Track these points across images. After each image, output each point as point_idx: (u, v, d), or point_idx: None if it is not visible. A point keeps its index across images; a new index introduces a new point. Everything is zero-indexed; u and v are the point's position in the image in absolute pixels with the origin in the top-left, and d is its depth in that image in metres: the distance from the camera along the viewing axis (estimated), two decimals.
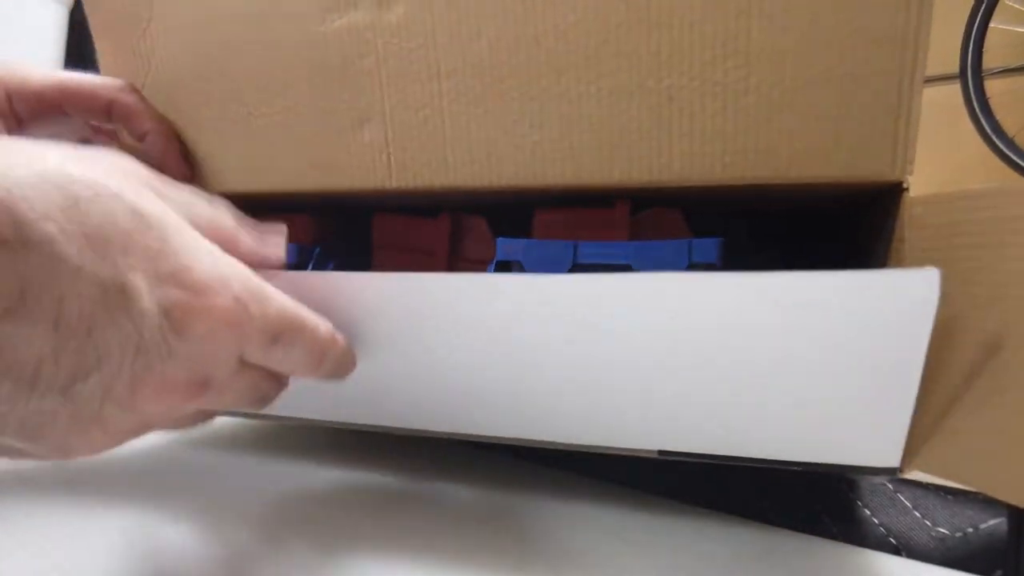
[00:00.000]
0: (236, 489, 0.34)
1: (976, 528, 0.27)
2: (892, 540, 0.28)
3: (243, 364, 0.21)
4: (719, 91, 0.26)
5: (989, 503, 0.27)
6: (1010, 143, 1.50)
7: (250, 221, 0.26)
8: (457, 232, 0.36)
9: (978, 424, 0.22)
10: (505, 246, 0.31)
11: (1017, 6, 1.50)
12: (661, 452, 0.27)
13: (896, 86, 0.25)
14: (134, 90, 0.33)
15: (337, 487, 0.34)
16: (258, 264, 0.23)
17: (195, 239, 0.20)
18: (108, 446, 0.19)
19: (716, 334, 0.23)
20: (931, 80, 1.82)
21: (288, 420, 0.33)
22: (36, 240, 0.16)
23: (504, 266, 0.31)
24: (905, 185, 0.26)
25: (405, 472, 0.36)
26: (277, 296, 0.22)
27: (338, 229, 0.38)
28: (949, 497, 0.27)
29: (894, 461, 0.24)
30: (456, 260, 0.36)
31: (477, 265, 0.35)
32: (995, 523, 0.26)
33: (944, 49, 1.68)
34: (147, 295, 0.18)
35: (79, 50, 1.38)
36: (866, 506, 0.29)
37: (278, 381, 0.24)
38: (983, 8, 1.50)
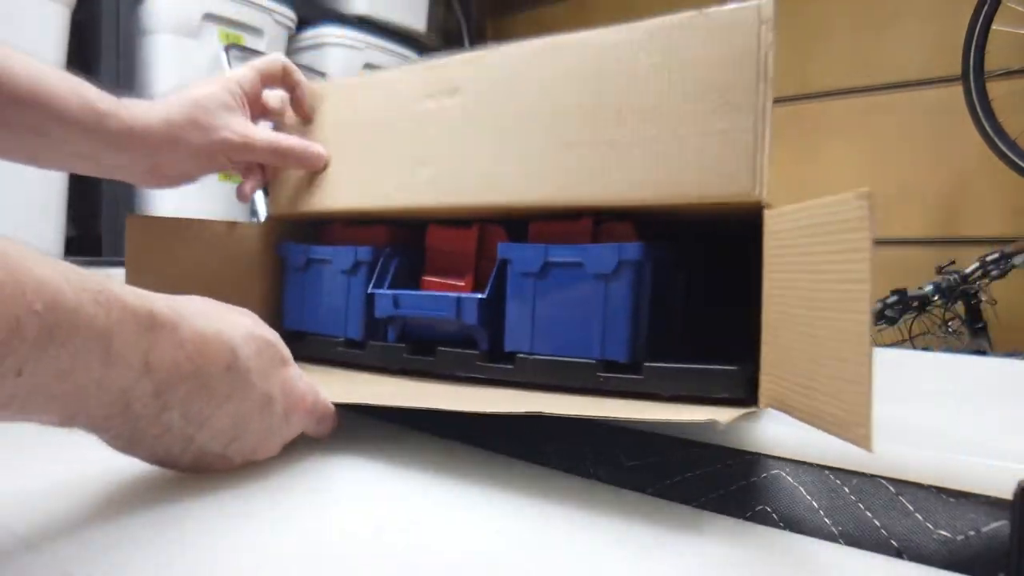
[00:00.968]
0: None
1: (978, 531, 0.26)
2: (894, 543, 0.28)
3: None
4: (625, 146, 0.41)
5: (992, 506, 0.26)
6: (1012, 145, 1.49)
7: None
8: (483, 237, 0.51)
9: (803, 367, 0.31)
10: (503, 249, 0.46)
11: (1019, 8, 1.50)
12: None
13: (752, 138, 0.37)
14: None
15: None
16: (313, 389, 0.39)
17: (299, 373, 0.38)
18: (277, 447, 0.37)
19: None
20: (933, 82, 1.82)
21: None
22: (243, 370, 0.33)
23: (503, 263, 0.46)
24: (764, 203, 0.37)
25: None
26: (326, 400, 0.39)
27: (404, 236, 0.56)
28: (951, 500, 0.27)
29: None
30: (480, 258, 0.51)
31: (493, 262, 0.47)
32: (998, 526, 0.26)
33: (946, 51, 1.68)
34: (279, 401, 0.35)
35: (80, 50, 1.38)
36: (868, 508, 0.29)
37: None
38: (985, 10, 1.50)
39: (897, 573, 0.27)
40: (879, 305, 1.50)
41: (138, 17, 1.48)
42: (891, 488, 0.29)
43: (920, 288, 1.50)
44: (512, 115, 0.45)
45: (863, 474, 0.29)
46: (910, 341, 1.57)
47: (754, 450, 0.32)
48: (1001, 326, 1.54)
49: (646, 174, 0.40)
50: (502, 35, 2.62)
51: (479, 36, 2.64)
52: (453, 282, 0.51)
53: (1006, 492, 0.26)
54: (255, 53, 1.64)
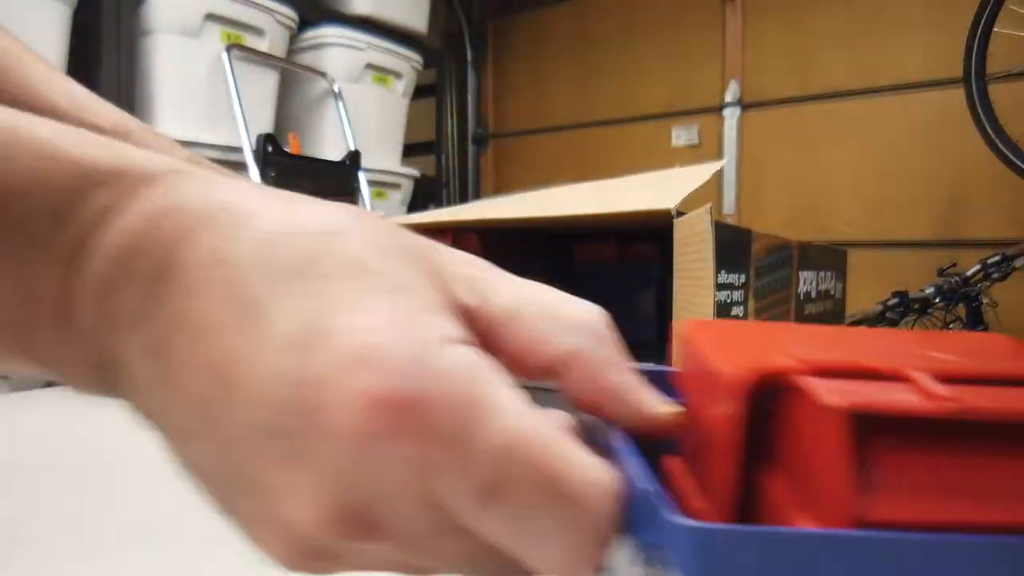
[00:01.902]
0: None
1: None
2: None
3: None
4: None
5: None
6: (1014, 147, 1.49)
7: None
8: (456, 246, 0.61)
9: None
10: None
11: (1021, 10, 1.50)
12: None
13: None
14: None
15: None
16: None
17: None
18: None
19: None
20: (935, 84, 1.82)
21: None
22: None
23: None
24: (673, 212, 0.49)
25: None
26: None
27: (500, 244, 0.77)
28: None
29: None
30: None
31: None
32: None
33: (947, 53, 1.68)
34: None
35: (81, 51, 1.38)
36: None
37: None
38: (987, 12, 1.50)
39: None
40: (880, 307, 1.50)
41: (139, 17, 1.48)
42: None
43: (921, 290, 1.50)
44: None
45: None
46: None
47: None
48: (1002, 328, 1.54)
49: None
50: (504, 36, 2.62)
51: (480, 37, 2.64)
52: None
53: None
54: (256, 53, 1.64)
